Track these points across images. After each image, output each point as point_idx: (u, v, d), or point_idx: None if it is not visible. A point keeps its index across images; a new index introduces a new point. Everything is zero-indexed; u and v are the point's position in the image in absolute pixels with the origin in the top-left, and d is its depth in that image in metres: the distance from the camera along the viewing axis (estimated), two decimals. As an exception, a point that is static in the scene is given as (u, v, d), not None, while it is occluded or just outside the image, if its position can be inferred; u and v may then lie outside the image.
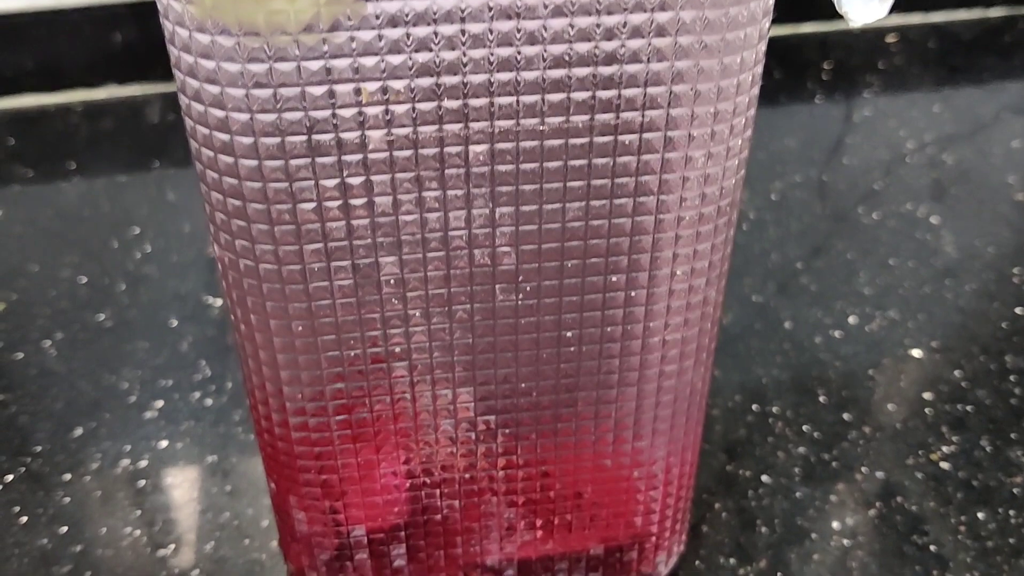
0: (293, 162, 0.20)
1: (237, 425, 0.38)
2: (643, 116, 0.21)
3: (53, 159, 0.56)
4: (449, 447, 0.26)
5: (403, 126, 0.20)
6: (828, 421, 0.38)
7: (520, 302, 0.23)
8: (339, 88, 0.19)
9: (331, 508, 0.27)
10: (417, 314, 0.23)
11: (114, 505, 0.35)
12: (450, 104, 0.20)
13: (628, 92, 0.20)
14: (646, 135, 0.21)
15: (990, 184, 0.53)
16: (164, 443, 0.38)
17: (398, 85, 0.19)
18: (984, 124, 0.59)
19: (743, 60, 0.21)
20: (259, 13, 0.18)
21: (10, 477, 0.36)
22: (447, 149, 0.20)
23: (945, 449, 0.37)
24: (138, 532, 0.34)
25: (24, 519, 0.35)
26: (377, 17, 0.19)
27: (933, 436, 0.38)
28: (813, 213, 0.51)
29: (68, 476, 0.36)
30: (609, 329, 0.24)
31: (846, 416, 0.39)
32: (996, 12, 0.72)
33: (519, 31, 0.19)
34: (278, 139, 0.20)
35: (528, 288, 0.23)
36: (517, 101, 0.20)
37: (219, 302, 0.45)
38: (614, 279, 0.23)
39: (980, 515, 0.34)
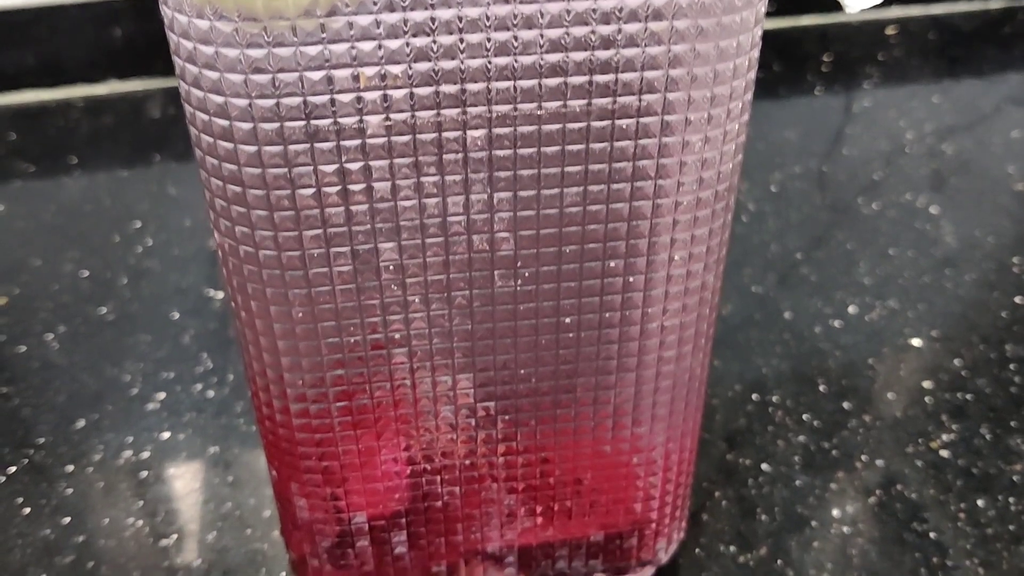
0: (292, 147, 0.20)
1: (239, 416, 0.38)
2: (640, 100, 0.21)
3: (54, 154, 0.56)
4: (449, 433, 0.26)
5: (401, 111, 0.20)
6: (828, 410, 0.38)
7: (519, 288, 0.23)
8: (337, 73, 0.19)
9: (332, 495, 0.27)
10: (416, 300, 0.23)
11: (116, 496, 0.35)
12: (448, 89, 0.20)
13: (625, 76, 0.20)
14: (643, 119, 0.21)
15: (990, 174, 0.54)
16: (166, 434, 0.38)
17: (396, 70, 0.20)
18: (984, 115, 0.59)
19: (739, 44, 0.21)
20: (257, -2, 0.18)
21: (13, 469, 0.36)
22: (445, 134, 0.21)
23: (945, 437, 0.37)
24: (140, 523, 0.34)
25: (27, 510, 0.35)
26: (375, 2, 0.19)
27: (933, 424, 0.38)
28: (813, 204, 0.51)
29: (71, 467, 0.36)
30: (607, 315, 0.24)
31: (846, 405, 0.39)
32: (996, 3, 0.72)
33: (516, 15, 0.19)
34: (277, 124, 0.20)
35: (527, 274, 0.23)
36: (514, 86, 0.20)
37: (220, 295, 0.45)
38: (612, 264, 0.23)
39: (980, 503, 0.35)
